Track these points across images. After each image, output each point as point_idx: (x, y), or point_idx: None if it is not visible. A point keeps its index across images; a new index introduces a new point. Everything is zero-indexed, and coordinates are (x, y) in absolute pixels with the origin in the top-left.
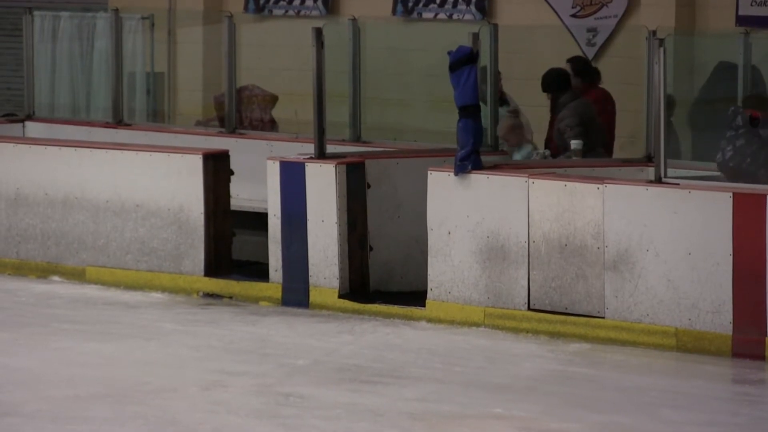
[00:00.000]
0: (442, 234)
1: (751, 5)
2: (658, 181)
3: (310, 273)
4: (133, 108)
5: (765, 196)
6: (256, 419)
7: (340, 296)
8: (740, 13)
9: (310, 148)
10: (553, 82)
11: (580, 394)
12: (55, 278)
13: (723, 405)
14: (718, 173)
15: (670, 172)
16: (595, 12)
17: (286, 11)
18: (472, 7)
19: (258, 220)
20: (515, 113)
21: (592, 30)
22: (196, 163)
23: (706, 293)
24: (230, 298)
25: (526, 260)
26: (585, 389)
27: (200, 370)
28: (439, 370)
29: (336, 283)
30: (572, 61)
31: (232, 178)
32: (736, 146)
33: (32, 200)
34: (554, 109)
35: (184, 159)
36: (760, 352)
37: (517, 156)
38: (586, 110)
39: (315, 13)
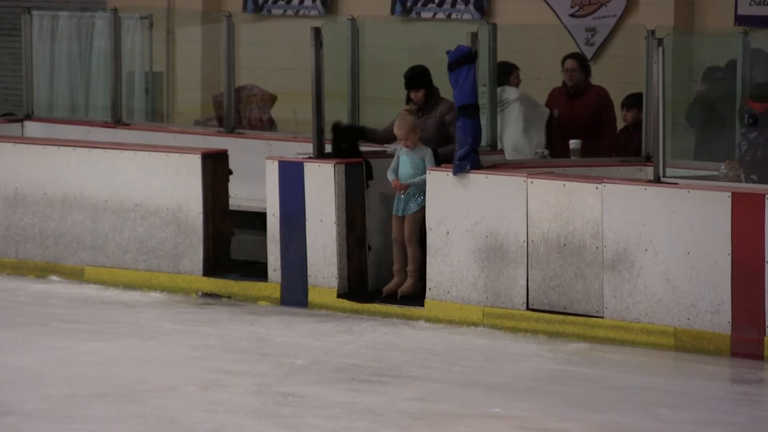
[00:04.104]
0: (440, 233)
1: (750, 5)
2: (656, 180)
3: (309, 272)
4: (132, 107)
5: (763, 195)
6: (255, 418)
7: (339, 296)
8: (739, 12)
9: (308, 148)
10: (425, 78)
11: (578, 393)
12: (54, 278)
13: (722, 404)
14: (717, 173)
15: (669, 171)
16: (593, 11)
17: (285, 11)
18: (471, 7)
19: (256, 220)
20: (412, 111)
21: (591, 29)
22: (195, 162)
23: (704, 293)
24: (229, 297)
25: (525, 260)
26: (584, 389)
27: (199, 370)
28: (438, 369)
29: (335, 283)
30: (576, 57)
31: (231, 177)
32: (749, 140)
33: (31, 200)
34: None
35: (182, 158)
36: (758, 352)
37: (414, 156)
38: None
39: (314, 12)
